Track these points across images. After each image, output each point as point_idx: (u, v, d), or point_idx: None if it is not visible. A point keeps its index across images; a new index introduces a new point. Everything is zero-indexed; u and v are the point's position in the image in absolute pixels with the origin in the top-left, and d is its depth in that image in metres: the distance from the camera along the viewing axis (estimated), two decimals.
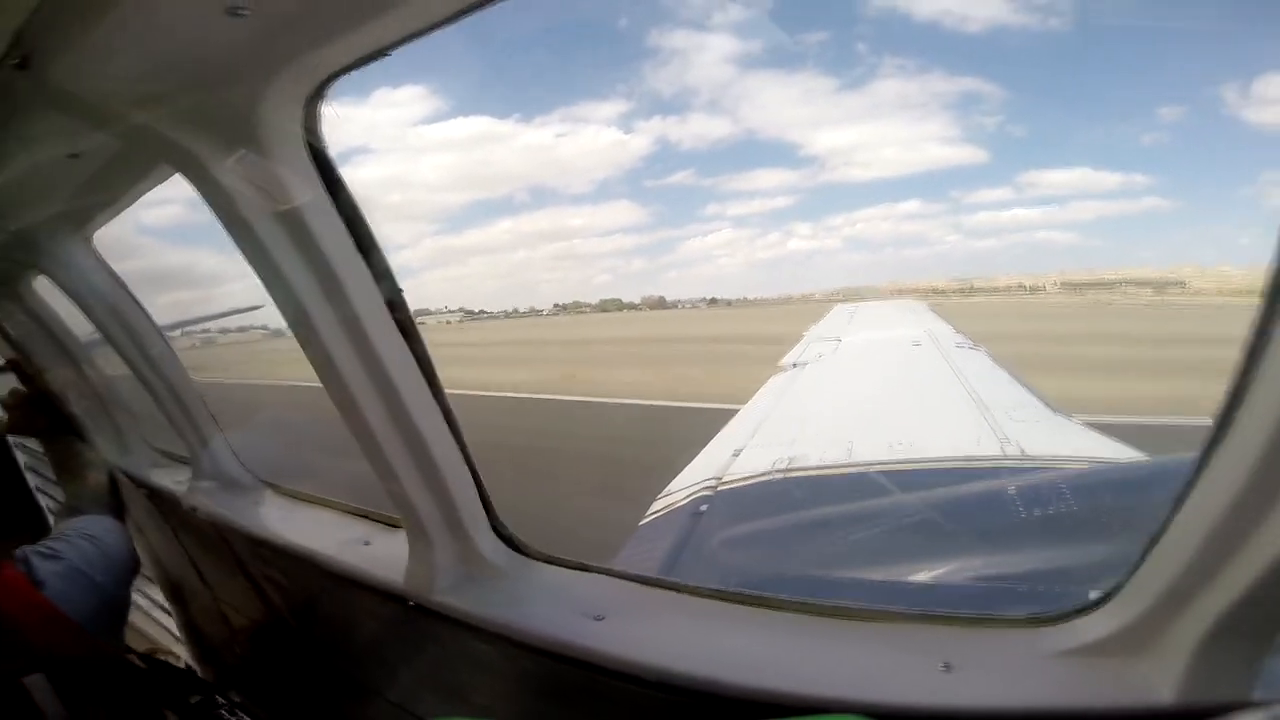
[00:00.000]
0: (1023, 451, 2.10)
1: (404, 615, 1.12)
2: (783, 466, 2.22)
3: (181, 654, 2.25)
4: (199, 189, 0.86)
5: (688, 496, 2.18)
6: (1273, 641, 0.63)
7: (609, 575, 1.06)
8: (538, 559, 1.12)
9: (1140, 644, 0.69)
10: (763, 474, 2.21)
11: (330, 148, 0.82)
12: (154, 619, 2.59)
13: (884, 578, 1.32)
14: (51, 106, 0.87)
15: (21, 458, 2.68)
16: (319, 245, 0.84)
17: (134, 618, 2.36)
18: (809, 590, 1.08)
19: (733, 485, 2.19)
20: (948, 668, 0.75)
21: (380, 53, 0.71)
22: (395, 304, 0.92)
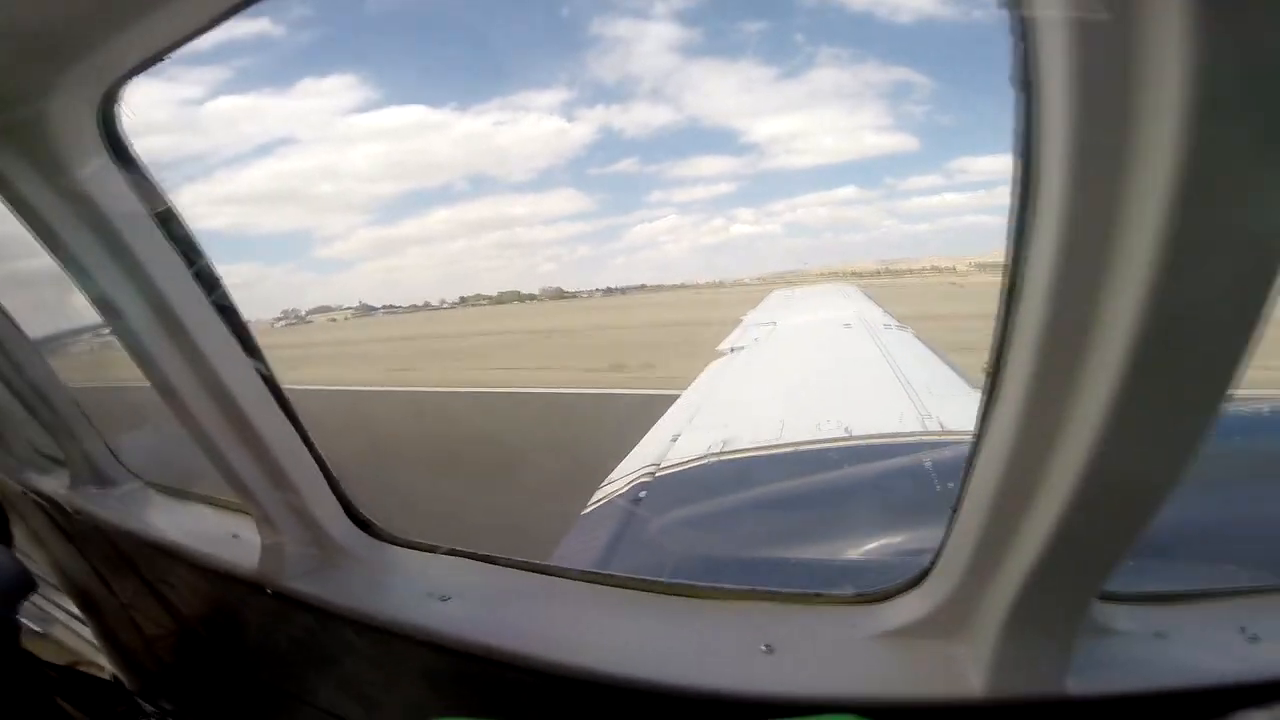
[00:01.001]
0: (942, 426, 2.22)
1: (267, 604, 1.13)
2: (717, 450, 2.27)
3: (105, 664, 2.15)
4: (6, 203, 0.83)
5: (629, 484, 2.20)
6: (1077, 620, 0.65)
7: (458, 556, 1.08)
8: (390, 542, 1.13)
9: (948, 624, 0.72)
10: (699, 458, 2.25)
11: (136, 148, 0.81)
12: (73, 630, 2.45)
13: (790, 558, 1.38)
14: None
15: None
16: (131, 250, 0.83)
17: (54, 631, 2.28)
18: (740, 571, 1.12)
19: (671, 470, 2.22)
20: (769, 649, 0.78)
21: (165, 52, 0.68)
22: (222, 304, 0.92)
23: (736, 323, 6.18)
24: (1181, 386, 0.47)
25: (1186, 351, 0.45)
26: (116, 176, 0.79)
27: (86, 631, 2.36)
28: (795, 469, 1.95)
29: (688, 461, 2.24)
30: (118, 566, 1.65)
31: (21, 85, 0.69)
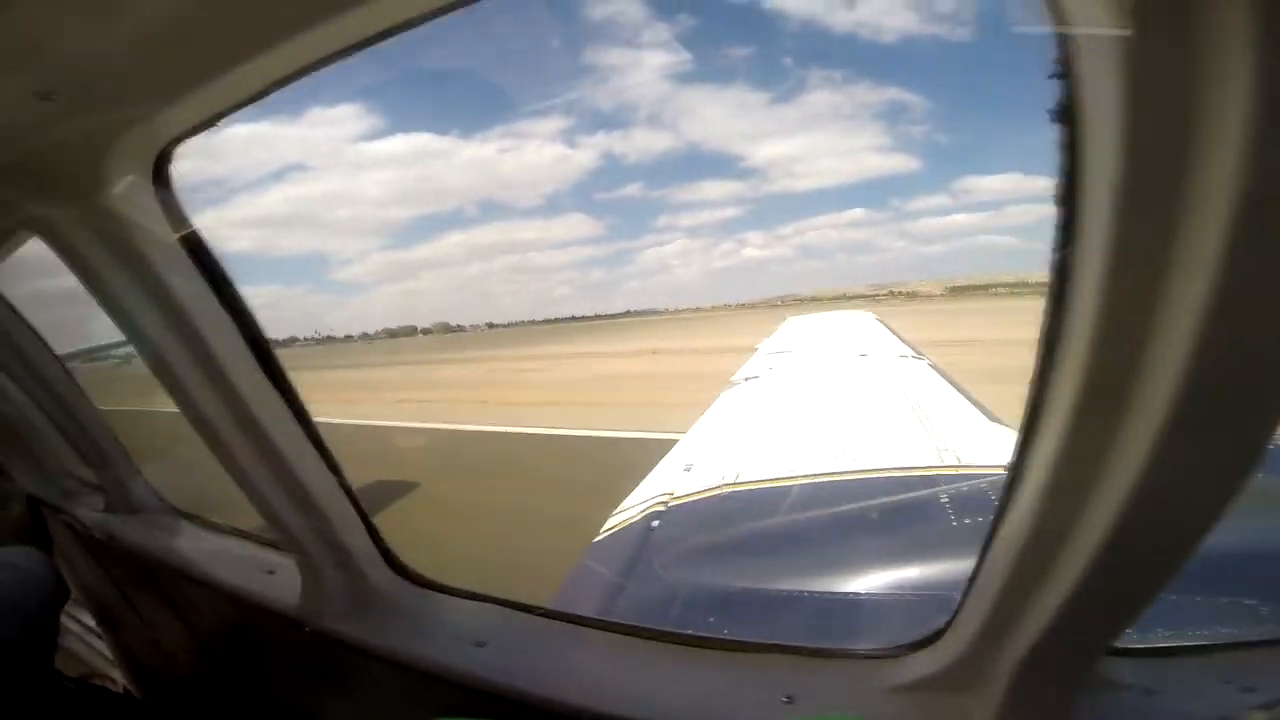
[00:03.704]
0: (959, 460, 2.18)
1: (304, 641, 1.15)
2: (731, 480, 2.25)
3: (118, 678, 2.16)
4: (55, 250, 0.87)
5: (641, 513, 2.19)
6: (1083, 676, 0.66)
7: (493, 603, 1.10)
8: (427, 586, 1.15)
9: (961, 680, 0.73)
10: (712, 489, 2.23)
11: (186, 206, 0.84)
12: (88, 644, 2.48)
13: (806, 592, 1.36)
14: None
15: None
16: (173, 294, 0.86)
17: (69, 643, 2.32)
18: (736, 608, 1.11)
19: (683, 500, 2.20)
20: (790, 700, 0.80)
21: (218, 117, 0.72)
22: (260, 349, 0.94)
23: (750, 351, 6.17)
24: (1225, 438, 0.45)
25: (1231, 403, 0.43)
26: (160, 222, 0.83)
27: (100, 645, 2.40)
28: (810, 501, 1.93)
29: (701, 491, 2.22)
30: (143, 587, 1.69)
31: (79, 141, 0.73)
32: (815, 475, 2.12)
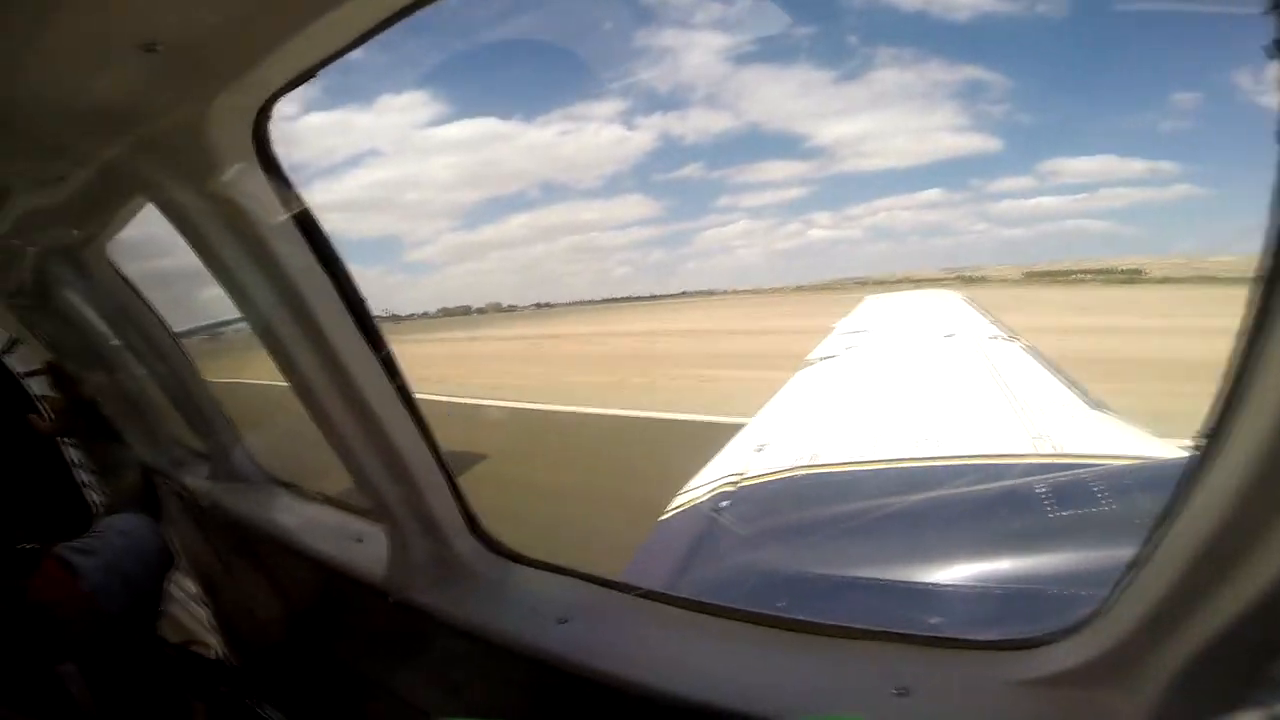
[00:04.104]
0: (1055, 448, 2.02)
1: (389, 611, 1.15)
2: (806, 462, 2.18)
3: (215, 645, 2.32)
4: (162, 210, 0.90)
5: (709, 492, 2.16)
6: (1254, 677, 0.58)
7: (579, 578, 1.07)
8: (513, 559, 1.14)
9: (1109, 675, 0.66)
10: (786, 470, 2.17)
11: (286, 162, 0.85)
12: (190, 612, 2.68)
13: (888, 580, 1.29)
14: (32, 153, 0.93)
15: (73, 455, 2.80)
16: (278, 259, 0.86)
17: (172, 610, 2.47)
18: (814, 593, 1.06)
19: (755, 481, 2.15)
20: (903, 691, 0.73)
21: (315, 69, 0.72)
22: (360, 314, 0.94)
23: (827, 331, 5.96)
24: None
25: None
26: (264, 185, 0.84)
27: (200, 612, 2.59)
28: (892, 486, 1.83)
29: (773, 472, 2.16)
30: (243, 555, 1.78)
31: (182, 96, 0.74)
32: (897, 460, 2.01)
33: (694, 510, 2.07)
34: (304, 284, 0.89)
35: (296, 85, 0.75)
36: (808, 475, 2.08)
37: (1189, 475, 0.55)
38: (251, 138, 0.80)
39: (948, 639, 0.79)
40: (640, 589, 1.03)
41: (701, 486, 2.25)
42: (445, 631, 1.07)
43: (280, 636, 1.86)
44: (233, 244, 0.88)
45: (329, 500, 1.56)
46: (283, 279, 0.88)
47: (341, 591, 1.35)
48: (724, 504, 2.00)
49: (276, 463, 1.83)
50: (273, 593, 1.72)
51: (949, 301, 7.84)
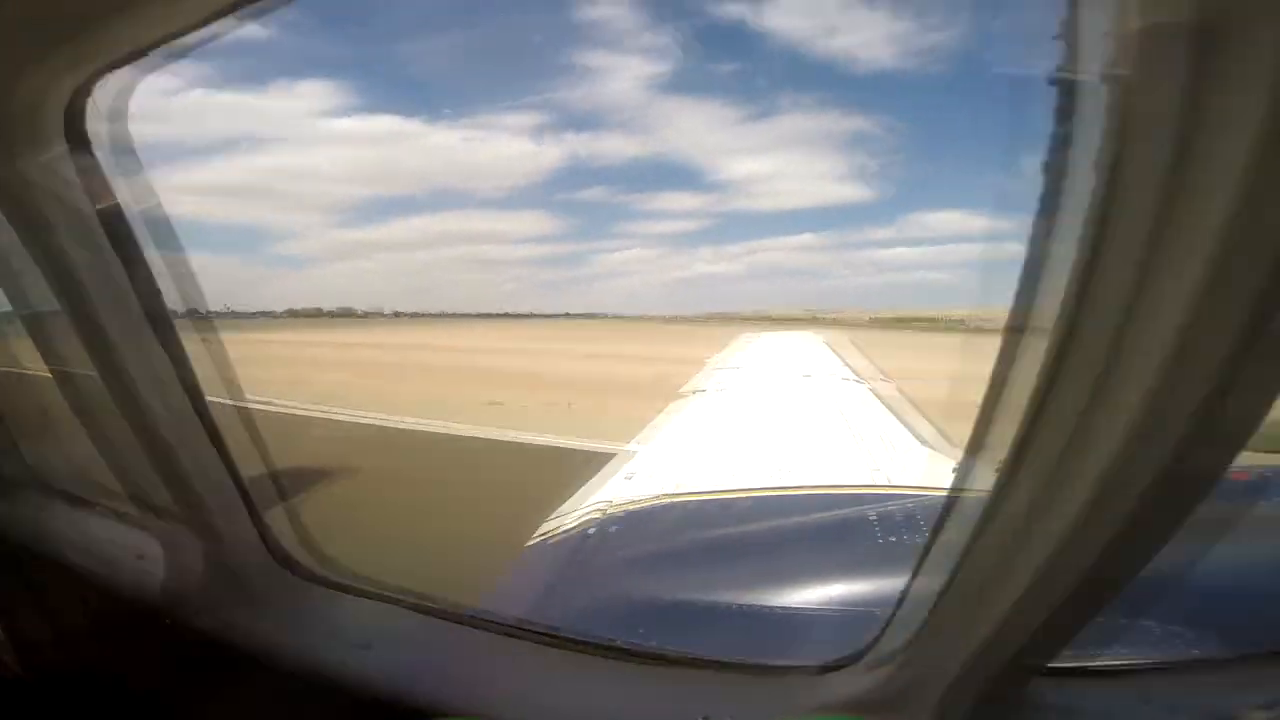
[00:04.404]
0: (889, 480, 2.27)
1: (173, 634, 1.05)
2: (671, 490, 2.27)
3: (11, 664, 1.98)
4: None
5: (578, 519, 2.18)
6: (1013, 698, 0.65)
7: (383, 600, 1.03)
8: (313, 580, 1.07)
9: (890, 699, 0.70)
10: (653, 498, 2.24)
11: (100, 148, 0.78)
12: None
13: (739, 604, 1.37)
14: None
15: None
16: (65, 246, 0.78)
17: None
18: (673, 620, 1.09)
19: (622, 509, 2.20)
20: (706, 719, 0.75)
21: (148, 49, 0.66)
22: (152, 309, 0.85)
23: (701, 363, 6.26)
24: (1168, 472, 0.45)
25: (1174, 440, 0.43)
26: (68, 167, 0.76)
27: None
28: (747, 514, 1.95)
29: (641, 501, 2.23)
30: (8, 571, 1.54)
31: None
32: (753, 489, 2.16)
33: (562, 537, 2.07)
34: (88, 274, 0.80)
35: (123, 65, 0.68)
36: (672, 503, 2.17)
37: (944, 507, 0.61)
38: (64, 118, 0.72)
39: (754, 665, 0.83)
40: (450, 610, 1.00)
41: (571, 513, 2.26)
42: (234, 656, 0.99)
43: (52, 661, 1.62)
44: (15, 228, 0.78)
45: (112, 512, 1.39)
46: (65, 268, 0.79)
47: (121, 612, 1.19)
48: (591, 531, 2.03)
49: (53, 468, 1.60)
50: (42, 613, 1.49)
51: (809, 343, 8.53)
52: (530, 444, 7.17)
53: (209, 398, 0.94)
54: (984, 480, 0.55)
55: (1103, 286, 0.43)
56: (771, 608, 1.37)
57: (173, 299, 0.88)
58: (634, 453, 3.05)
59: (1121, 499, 0.47)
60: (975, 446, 0.56)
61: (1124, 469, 0.45)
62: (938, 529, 0.63)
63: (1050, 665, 0.70)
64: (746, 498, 2.11)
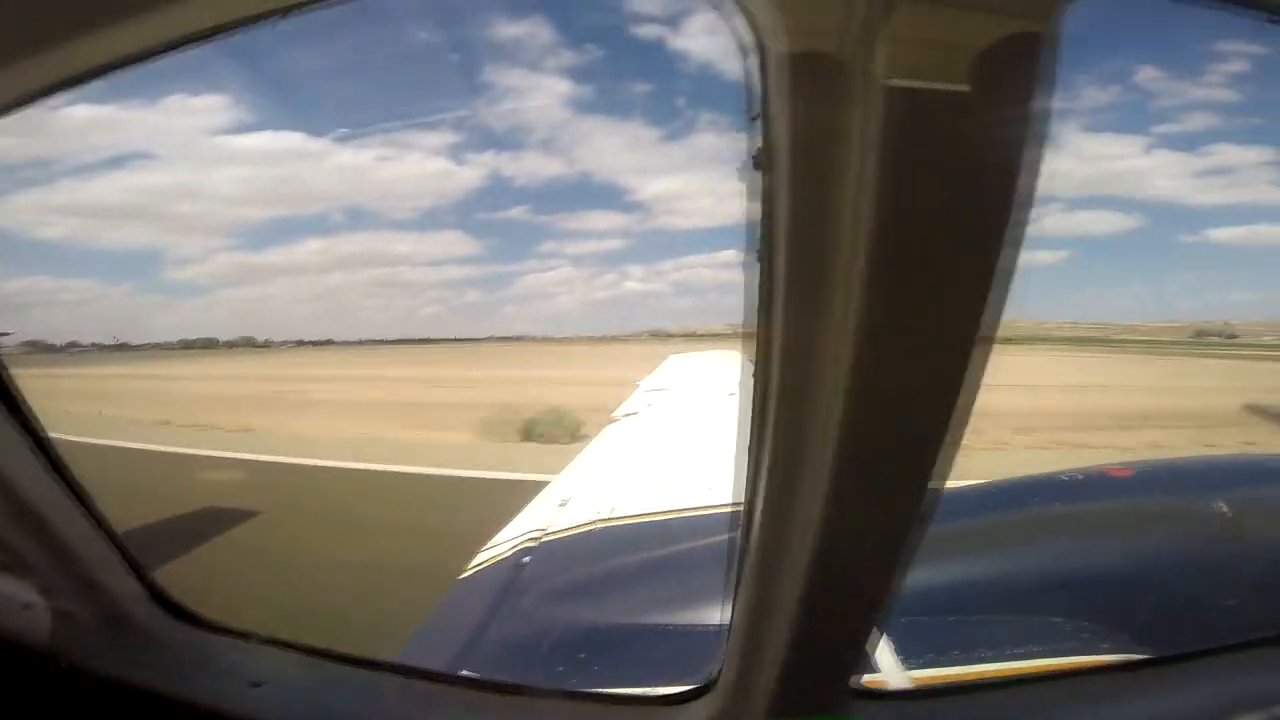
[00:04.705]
0: None
1: (62, 683, 1.04)
2: (604, 516, 2.31)
3: None
4: None
5: (512, 549, 2.18)
6: None
7: (272, 644, 1.07)
8: (201, 626, 1.09)
9: None
10: (584, 524, 2.28)
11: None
12: None
13: (662, 625, 1.42)
14: None
15: None
16: None
17: None
18: (603, 645, 1.11)
19: (556, 536, 2.23)
20: None
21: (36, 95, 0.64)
22: None
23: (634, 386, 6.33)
24: (884, 487, 0.52)
25: (881, 457, 0.50)
26: None
27: None
28: (673, 535, 2.02)
29: (574, 527, 2.26)
30: None
31: None
32: (684, 510, 2.23)
33: (496, 567, 2.07)
34: None
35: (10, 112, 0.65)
36: (605, 528, 2.21)
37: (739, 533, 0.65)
38: None
39: (614, 696, 0.89)
40: (339, 653, 1.04)
41: (504, 543, 2.26)
42: (128, 700, 0.99)
43: None
44: None
45: None
46: None
47: (10, 659, 1.15)
48: (525, 559, 2.04)
49: None
50: None
51: (735, 362, 8.76)
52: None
53: (71, 438, 0.91)
54: (754, 498, 0.60)
55: (780, 305, 0.49)
56: (677, 626, 1.41)
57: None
58: (568, 479, 3.07)
59: (850, 517, 0.52)
60: (743, 467, 0.61)
61: (843, 486, 0.50)
62: (731, 548, 0.67)
63: (874, 689, 0.79)
64: (675, 519, 2.17)
